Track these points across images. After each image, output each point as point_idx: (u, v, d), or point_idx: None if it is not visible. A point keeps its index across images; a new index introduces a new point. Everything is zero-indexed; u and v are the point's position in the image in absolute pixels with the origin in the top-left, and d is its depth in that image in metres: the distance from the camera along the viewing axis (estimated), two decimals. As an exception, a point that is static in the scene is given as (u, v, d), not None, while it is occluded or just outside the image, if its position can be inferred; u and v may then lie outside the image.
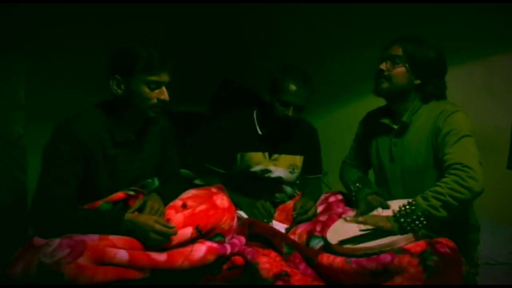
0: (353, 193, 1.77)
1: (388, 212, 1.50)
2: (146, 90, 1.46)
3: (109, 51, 1.48)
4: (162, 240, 1.36)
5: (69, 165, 1.41)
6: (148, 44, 1.45)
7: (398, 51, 1.62)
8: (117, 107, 1.51)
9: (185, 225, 1.43)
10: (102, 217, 1.41)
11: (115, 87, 1.46)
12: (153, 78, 1.45)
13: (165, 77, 1.48)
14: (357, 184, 1.77)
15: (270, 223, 1.85)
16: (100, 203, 1.47)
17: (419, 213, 1.39)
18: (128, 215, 1.38)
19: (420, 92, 1.65)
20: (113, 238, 1.31)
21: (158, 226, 1.34)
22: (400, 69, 1.62)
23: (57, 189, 1.39)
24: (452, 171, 1.44)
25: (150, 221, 1.35)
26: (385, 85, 1.65)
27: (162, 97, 1.48)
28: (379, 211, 1.57)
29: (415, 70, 1.62)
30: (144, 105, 1.48)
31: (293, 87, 1.82)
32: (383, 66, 1.64)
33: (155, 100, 1.48)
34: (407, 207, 1.42)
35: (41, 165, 1.43)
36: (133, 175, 1.58)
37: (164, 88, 1.49)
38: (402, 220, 1.40)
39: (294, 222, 1.80)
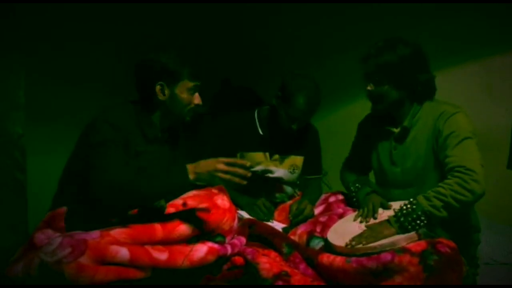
0: (353, 194, 1.77)
1: (389, 212, 1.50)
2: (187, 95, 1.58)
3: (150, 60, 1.55)
4: (234, 173, 1.39)
5: (119, 148, 1.45)
6: (182, 53, 1.56)
7: (373, 68, 1.58)
8: (146, 107, 1.58)
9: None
10: (169, 173, 1.46)
11: (160, 93, 1.55)
12: (196, 83, 1.58)
13: (199, 82, 1.61)
14: (357, 184, 1.77)
15: (271, 221, 1.86)
16: None
17: (420, 213, 1.39)
18: (189, 165, 1.42)
19: (413, 94, 1.63)
20: (115, 233, 1.31)
21: (222, 158, 1.39)
22: (385, 87, 1.59)
23: (122, 164, 1.42)
24: (456, 173, 1.43)
25: (212, 160, 1.40)
26: (379, 106, 1.64)
27: (197, 101, 1.61)
28: (379, 213, 1.57)
29: (397, 81, 1.58)
30: (185, 109, 1.60)
31: (303, 105, 1.80)
32: (369, 88, 1.62)
33: (193, 105, 1.61)
34: (408, 206, 1.42)
35: (93, 155, 1.42)
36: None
37: (197, 94, 1.62)
38: (402, 219, 1.40)
39: (291, 224, 1.81)
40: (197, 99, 1.61)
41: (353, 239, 1.43)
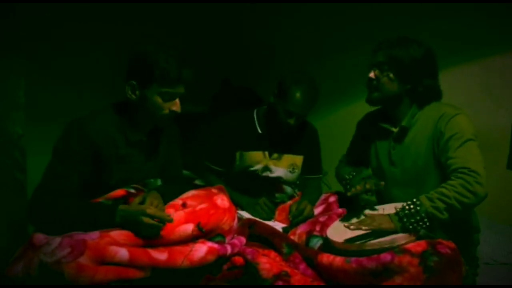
0: (348, 181, 1.76)
1: (391, 210, 1.50)
2: (160, 100, 1.47)
3: (130, 54, 1.48)
4: (156, 226, 1.33)
5: (76, 163, 1.43)
6: (167, 54, 1.45)
7: (383, 57, 1.59)
8: (130, 109, 1.52)
9: (186, 222, 1.43)
10: (97, 209, 1.41)
11: (130, 92, 1.47)
12: (169, 90, 1.46)
13: (180, 89, 1.49)
14: (352, 172, 1.77)
15: (272, 219, 1.86)
16: (100, 200, 1.47)
17: (423, 214, 1.39)
18: (122, 206, 1.38)
19: (413, 95, 1.63)
20: (114, 234, 1.30)
21: (149, 210, 1.32)
22: (388, 77, 1.60)
23: (58, 184, 1.40)
24: (459, 175, 1.43)
25: (141, 206, 1.35)
26: (375, 94, 1.64)
27: (174, 108, 1.50)
28: (380, 211, 1.57)
29: (402, 75, 1.58)
30: (156, 114, 1.49)
31: (299, 98, 1.81)
32: (371, 74, 1.62)
33: (167, 111, 1.49)
34: (411, 206, 1.41)
35: (50, 160, 1.44)
36: (144, 175, 1.60)
37: (177, 100, 1.50)
38: (405, 220, 1.40)
39: (291, 224, 1.81)
40: (175, 106, 1.49)
41: (352, 223, 1.43)
